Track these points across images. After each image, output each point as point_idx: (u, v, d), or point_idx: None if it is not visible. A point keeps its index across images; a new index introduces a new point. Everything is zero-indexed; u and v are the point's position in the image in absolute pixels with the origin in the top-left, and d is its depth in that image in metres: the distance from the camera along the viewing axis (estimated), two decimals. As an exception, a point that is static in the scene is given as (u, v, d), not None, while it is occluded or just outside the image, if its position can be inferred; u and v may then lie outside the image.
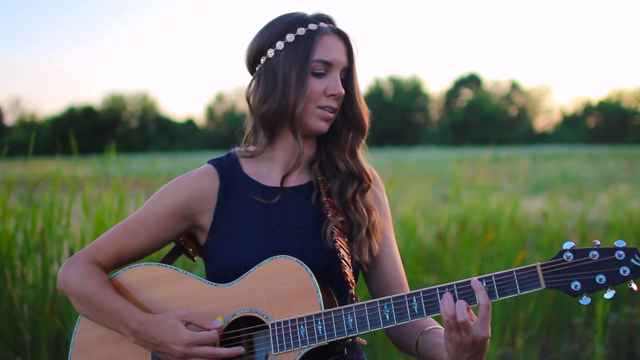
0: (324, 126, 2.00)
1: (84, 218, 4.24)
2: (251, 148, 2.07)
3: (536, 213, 7.05)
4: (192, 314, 1.88)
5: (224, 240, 1.99)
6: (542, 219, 6.65)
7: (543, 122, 76.30)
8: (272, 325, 1.84)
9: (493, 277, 1.74)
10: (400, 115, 68.11)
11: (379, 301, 1.80)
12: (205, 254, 2.04)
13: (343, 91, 1.98)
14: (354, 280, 2.00)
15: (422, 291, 1.78)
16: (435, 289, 1.78)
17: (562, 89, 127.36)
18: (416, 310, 1.78)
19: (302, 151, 2.00)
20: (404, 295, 1.79)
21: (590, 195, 8.43)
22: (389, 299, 1.80)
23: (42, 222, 4.09)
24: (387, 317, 1.79)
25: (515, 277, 1.74)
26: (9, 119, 68.10)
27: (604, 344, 4.72)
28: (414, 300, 1.78)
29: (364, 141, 2.09)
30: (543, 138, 66.03)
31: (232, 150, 2.13)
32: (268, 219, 2.00)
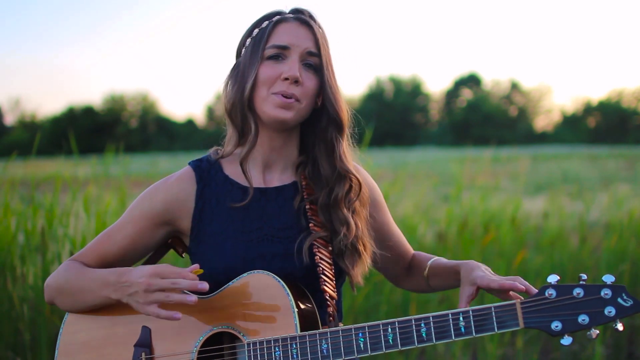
0: (280, 113, 1.91)
1: (85, 218, 4.23)
2: (228, 149, 2.02)
3: (537, 213, 7.04)
4: (170, 265, 1.84)
5: (204, 245, 1.96)
6: (542, 219, 6.64)
7: (543, 122, 76.34)
8: (248, 344, 1.80)
9: (470, 312, 1.69)
10: (400, 115, 68.07)
11: (354, 328, 1.75)
12: (191, 258, 2.02)
13: (297, 74, 1.90)
14: (335, 295, 1.95)
15: (398, 321, 1.73)
16: (411, 319, 1.72)
17: (562, 89, 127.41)
18: (390, 340, 1.72)
19: (255, 135, 1.94)
20: (379, 325, 1.74)
21: (590, 195, 8.42)
22: (364, 326, 1.75)
23: (43, 222, 4.09)
24: (362, 345, 1.74)
25: (493, 313, 1.68)
26: (9, 119, 68.11)
27: (604, 344, 4.72)
28: (389, 329, 1.73)
29: (345, 140, 2.00)
30: (543, 138, 65.99)
31: (211, 150, 2.09)
32: (248, 222, 1.96)
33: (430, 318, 1.71)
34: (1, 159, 4.35)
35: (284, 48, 1.92)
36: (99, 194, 4.60)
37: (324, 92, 1.96)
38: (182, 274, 1.79)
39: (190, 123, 71.88)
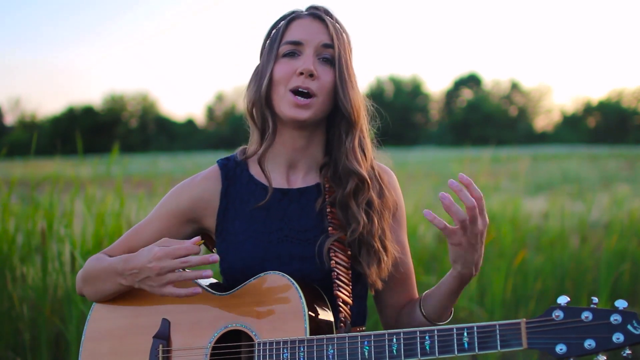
0: (297, 114, 1.90)
1: (85, 218, 4.23)
2: (252, 148, 2.02)
3: (537, 213, 7.04)
4: (170, 239, 1.88)
5: (226, 244, 1.98)
6: (542, 219, 6.64)
7: (543, 122, 76.37)
8: (259, 344, 1.82)
9: (475, 328, 1.66)
10: (400, 115, 68.05)
11: (361, 336, 1.75)
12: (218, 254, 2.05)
13: (311, 67, 1.89)
14: (350, 300, 1.94)
15: (403, 332, 1.72)
16: (415, 331, 1.71)
17: (562, 89, 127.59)
18: (394, 351, 1.71)
19: (274, 130, 1.94)
20: (385, 334, 1.73)
21: (590, 195, 8.41)
22: (370, 335, 1.74)
23: (43, 222, 4.09)
24: (366, 353, 1.73)
25: (497, 331, 1.64)
26: (9, 119, 68.12)
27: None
28: (394, 340, 1.72)
29: (357, 138, 1.96)
30: (543, 138, 65.95)
31: (239, 149, 2.10)
32: (269, 222, 1.96)
33: (435, 331, 1.69)
34: (1, 159, 4.34)
35: (298, 44, 1.93)
36: (98, 194, 4.60)
37: (336, 85, 1.94)
38: (187, 249, 1.82)
39: (190, 123, 71.93)
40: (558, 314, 1.61)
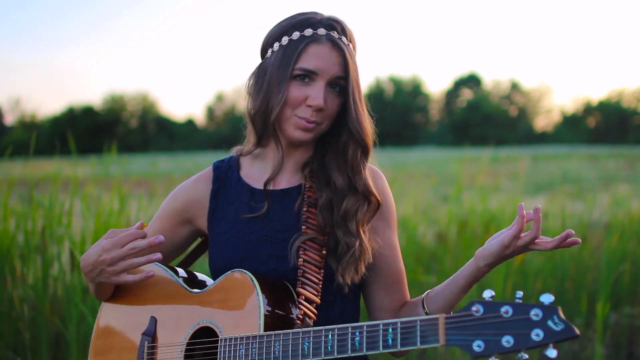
0: (300, 135, 1.93)
1: (85, 218, 4.23)
2: (247, 148, 2.05)
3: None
4: (116, 230, 1.92)
5: (213, 244, 2.04)
6: (542, 219, 6.64)
7: (543, 122, 76.42)
8: (221, 340, 1.86)
9: (399, 323, 1.60)
10: (400, 115, 68.08)
11: (302, 332, 1.74)
12: (208, 254, 2.10)
13: (322, 104, 1.89)
14: (317, 299, 1.93)
15: (338, 328, 1.69)
16: (348, 327, 1.68)
17: (562, 89, 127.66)
18: (329, 347, 1.67)
19: (281, 157, 1.97)
20: (322, 330, 1.72)
21: (591, 195, 8.42)
22: (310, 331, 1.73)
23: (43, 222, 4.09)
24: (306, 349, 1.73)
25: (418, 327, 1.57)
26: (9, 119, 68.16)
27: (604, 344, 4.72)
28: (330, 336, 1.69)
29: (367, 160, 1.99)
30: (543, 138, 66.00)
31: (236, 148, 2.11)
32: (252, 223, 2.00)
33: (364, 327, 1.65)
34: (1, 159, 4.34)
35: (313, 73, 1.91)
36: (98, 194, 4.60)
37: (349, 114, 1.94)
38: (132, 234, 1.86)
39: (190, 123, 71.96)
40: (477, 309, 1.50)
